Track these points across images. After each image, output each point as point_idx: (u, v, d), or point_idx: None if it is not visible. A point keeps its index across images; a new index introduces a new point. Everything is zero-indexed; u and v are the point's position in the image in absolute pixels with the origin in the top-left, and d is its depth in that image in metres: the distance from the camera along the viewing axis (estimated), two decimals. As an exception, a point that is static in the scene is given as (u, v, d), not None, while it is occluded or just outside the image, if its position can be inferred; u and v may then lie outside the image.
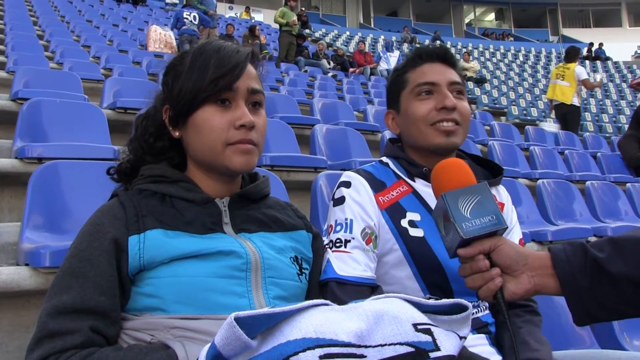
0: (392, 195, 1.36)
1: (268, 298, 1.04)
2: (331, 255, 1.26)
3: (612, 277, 0.90)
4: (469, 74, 14.60)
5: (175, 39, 10.08)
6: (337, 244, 1.27)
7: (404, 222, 1.31)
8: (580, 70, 8.06)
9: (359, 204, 1.32)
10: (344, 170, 3.51)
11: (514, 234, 1.46)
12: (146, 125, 1.18)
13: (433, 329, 0.69)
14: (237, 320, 0.62)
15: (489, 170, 1.49)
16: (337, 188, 1.38)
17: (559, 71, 8.19)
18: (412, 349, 0.65)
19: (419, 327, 0.68)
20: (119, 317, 0.99)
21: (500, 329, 1.34)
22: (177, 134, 1.13)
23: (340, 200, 1.34)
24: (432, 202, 1.34)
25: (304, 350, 0.60)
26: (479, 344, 1.26)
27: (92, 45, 8.51)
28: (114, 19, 13.51)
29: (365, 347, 0.64)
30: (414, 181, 1.39)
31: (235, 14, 22.22)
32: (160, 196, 1.09)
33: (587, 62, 21.73)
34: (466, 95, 1.43)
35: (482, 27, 31.78)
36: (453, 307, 0.74)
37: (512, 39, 28.23)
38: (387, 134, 4.38)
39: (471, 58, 17.88)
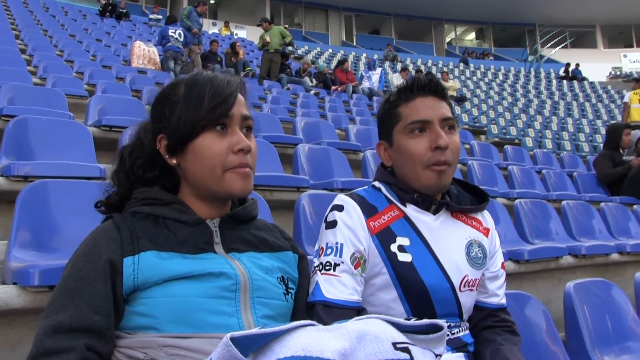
0: (384, 219, 1.40)
1: (256, 317, 1.10)
2: (320, 278, 1.31)
3: None
4: (449, 92, 14.80)
5: (159, 55, 10.10)
6: (327, 267, 1.32)
7: (394, 247, 1.36)
8: None
9: (350, 228, 1.36)
10: (326, 189, 3.60)
11: (497, 259, 1.53)
12: (134, 158, 1.23)
13: (411, 347, 0.74)
14: (233, 339, 0.67)
15: (474, 196, 1.55)
16: (330, 211, 1.42)
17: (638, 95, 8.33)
18: (391, 367, 0.71)
19: (398, 345, 0.73)
20: (113, 336, 1.03)
21: (479, 347, 1.40)
22: (174, 161, 1.18)
23: (333, 224, 1.38)
24: (423, 227, 1.40)
25: (292, 368, 0.66)
26: (457, 362, 1.32)
27: (76, 61, 8.52)
28: (97, 33, 13.51)
29: (348, 365, 0.69)
30: (405, 206, 1.44)
31: (218, 30, 22.30)
32: (153, 218, 1.14)
33: (564, 82, 22.15)
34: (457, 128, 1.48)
35: (463, 46, 32.26)
36: (429, 327, 0.79)
37: (492, 58, 28.69)
38: (369, 154, 4.45)
39: (451, 77, 18.16)
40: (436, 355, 0.78)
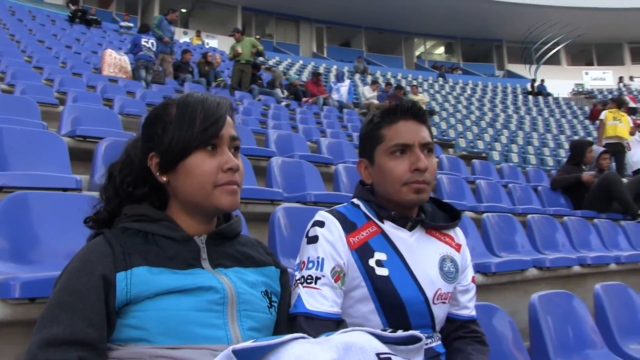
0: (362, 235, 1.47)
1: (243, 330, 1.15)
2: (302, 291, 1.37)
3: None
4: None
5: (131, 63, 10.05)
6: (308, 280, 1.38)
7: (372, 262, 1.44)
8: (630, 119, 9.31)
9: (331, 243, 1.42)
10: (299, 202, 3.64)
11: (468, 273, 1.61)
12: (124, 175, 1.28)
13: (393, 357, 0.81)
14: (234, 352, 0.72)
15: (447, 213, 1.64)
16: (312, 227, 1.48)
17: (615, 115, 9.04)
18: (375, 375, 0.77)
19: (381, 356, 0.80)
20: (105, 348, 1.07)
21: (450, 357, 1.48)
22: (164, 178, 1.23)
23: (314, 239, 1.44)
24: (399, 243, 1.48)
25: (287, 377, 0.72)
26: (429, 371, 1.39)
27: (45, 67, 8.43)
28: (67, 40, 13.36)
29: (337, 374, 0.75)
30: (382, 223, 1.51)
31: (189, 39, 22.22)
32: (143, 234, 1.19)
33: (530, 97, 22.69)
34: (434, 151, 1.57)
35: (432, 60, 32.76)
36: (408, 338, 0.86)
37: (460, 72, 29.21)
38: (341, 167, 4.52)
39: (420, 90, 18.42)
40: (415, 364, 0.85)
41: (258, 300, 1.22)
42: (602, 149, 6.87)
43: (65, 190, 2.65)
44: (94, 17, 17.45)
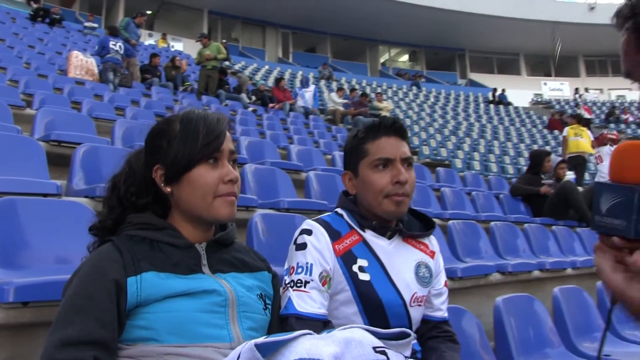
0: (346, 243, 1.60)
1: (243, 329, 1.25)
2: (292, 294, 1.48)
3: None
4: (382, 113, 15.24)
5: (98, 65, 9.96)
6: (298, 284, 1.50)
7: (355, 267, 1.57)
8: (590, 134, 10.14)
9: (319, 250, 1.55)
10: (273, 209, 3.74)
11: (441, 278, 1.76)
12: (128, 185, 1.37)
13: (387, 350, 0.92)
14: (256, 345, 0.82)
15: (423, 223, 1.77)
16: (300, 234, 1.60)
17: (575, 131, 9.87)
18: (373, 366, 0.89)
19: (377, 349, 0.91)
20: (116, 347, 1.16)
21: (425, 354, 1.61)
22: (168, 189, 1.32)
23: (303, 246, 1.56)
24: (379, 250, 1.61)
25: (300, 366, 0.83)
26: (407, 368, 1.52)
27: (9, 68, 8.29)
28: (29, 39, 13.09)
29: (341, 364, 0.86)
30: (364, 232, 1.65)
31: (154, 41, 22.02)
32: (149, 241, 1.28)
33: (491, 106, 23.25)
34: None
35: (396, 67, 33.23)
36: (399, 334, 0.98)
37: (424, 80, 29.70)
38: (312, 175, 4.63)
39: (385, 97, 18.68)
40: (405, 357, 0.96)
41: (255, 303, 1.33)
42: (560, 159, 7.17)
43: (45, 195, 2.69)
44: (57, 17, 17.04)
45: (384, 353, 0.91)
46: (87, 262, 1.22)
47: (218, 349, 1.18)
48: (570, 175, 8.90)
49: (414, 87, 24.78)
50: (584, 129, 10.00)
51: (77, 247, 2.16)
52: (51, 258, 2.07)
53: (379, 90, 20.78)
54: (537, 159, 6.92)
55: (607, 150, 9.28)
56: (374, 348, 0.91)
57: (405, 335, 0.97)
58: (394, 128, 1.66)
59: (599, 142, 10.06)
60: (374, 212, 1.64)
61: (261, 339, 0.85)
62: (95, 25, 18.57)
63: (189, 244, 1.32)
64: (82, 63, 9.68)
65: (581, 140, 9.71)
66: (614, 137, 10.63)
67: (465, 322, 2.39)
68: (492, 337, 2.61)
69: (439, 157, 12.02)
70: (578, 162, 9.50)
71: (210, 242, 1.36)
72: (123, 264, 1.20)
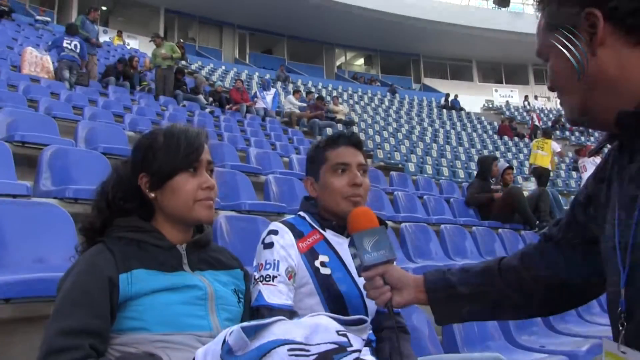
0: (309, 242, 1.79)
1: (220, 320, 1.42)
2: (262, 287, 1.66)
3: (459, 295, 1.37)
4: (338, 116, 15.48)
5: (53, 62, 9.84)
6: (267, 279, 1.67)
7: (317, 263, 1.75)
8: (555, 145, 11.16)
9: (284, 248, 1.73)
10: (234, 211, 3.88)
11: None
12: (115, 191, 1.51)
13: (348, 334, 1.10)
14: (242, 328, 0.99)
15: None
16: (267, 235, 1.77)
17: (539, 144, 10.80)
18: (337, 346, 1.06)
19: (340, 332, 1.09)
20: (109, 337, 1.30)
21: (378, 344, 1.80)
22: (152, 195, 1.48)
23: (270, 245, 1.74)
24: (339, 247, 1.80)
25: (279, 346, 0.99)
26: (363, 354, 1.70)
27: (-43, 63, 8.15)
28: (-23, 32, 12.79)
29: (310, 345, 1.03)
30: (325, 231, 1.84)
31: (109, 38, 21.69)
32: (136, 242, 1.43)
33: (444, 111, 23.83)
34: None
35: (352, 71, 33.62)
36: (357, 320, 1.16)
37: (379, 84, 30.16)
38: (271, 178, 4.79)
39: (340, 101, 18.93)
40: (363, 340, 1.15)
41: (230, 297, 1.50)
42: (507, 165, 7.52)
43: (14, 197, 2.77)
44: (5, 9, 16.50)
45: (345, 336, 1.09)
46: (82, 260, 1.36)
47: (199, 336, 1.35)
48: (531, 185, 9.99)
49: (389, 94, 25.24)
50: (548, 141, 10.84)
51: (52, 247, 2.29)
52: (29, 258, 2.17)
53: (334, 93, 21.04)
54: (485, 164, 7.25)
55: (591, 161, 10.15)
56: (337, 331, 1.08)
57: (362, 322, 1.15)
58: (352, 140, 1.88)
59: (583, 152, 11.64)
60: (334, 212, 1.83)
61: (245, 323, 1.01)
62: (48, 19, 18.20)
63: (171, 245, 1.48)
64: (37, 60, 9.57)
65: (540, 153, 10.60)
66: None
67: (416, 317, 2.61)
68: (441, 332, 2.84)
69: (392, 161, 12.30)
70: (539, 173, 10.36)
71: (189, 243, 1.52)
72: (115, 262, 1.34)
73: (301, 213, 1.91)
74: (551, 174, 11.16)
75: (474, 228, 5.64)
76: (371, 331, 1.82)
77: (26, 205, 2.39)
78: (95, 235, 1.47)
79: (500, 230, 6.03)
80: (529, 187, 9.86)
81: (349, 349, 1.07)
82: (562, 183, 13.86)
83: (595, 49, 1.04)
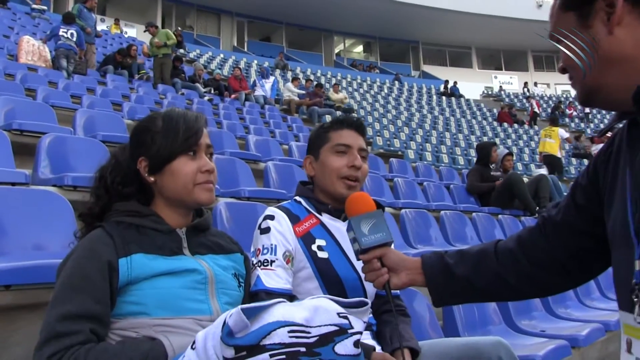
0: (305, 226, 1.79)
1: (221, 304, 1.42)
2: (260, 272, 1.66)
3: (456, 277, 1.39)
4: (337, 104, 15.42)
5: (51, 51, 9.78)
6: (265, 264, 1.67)
7: (314, 247, 1.76)
8: (562, 132, 11.73)
9: (281, 233, 1.73)
10: (234, 197, 3.87)
11: None
12: (114, 176, 1.51)
13: (349, 316, 1.10)
14: (242, 310, 0.98)
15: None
16: (263, 220, 1.78)
17: (546, 132, 11.28)
18: (338, 328, 1.06)
19: (341, 315, 1.08)
20: (109, 321, 1.30)
21: (379, 327, 1.80)
22: (152, 179, 1.47)
23: (267, 230, 1.74)
24: (335, 231, 1.80)
25: (279, 328, 0.99)
26: (364, 338, 1.70)
27: (-47, 51, 8.10)
28: (-28, 21, 12.71)
29: (311, 327, 1.03)
30: (321, 215, 1.84)
31: (106, 27, 21.57)
32: (135, 227, 1.42)
33: (443, 98, 23.77)
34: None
35: (351, 58, 33.50)
36: (358, 303, 1.15)
37: (377, 71, 30.07)
38: (270, 165, 4.78)
39: (340, 88, 18.86)
40: (364, 322, 1.14)
41: (230, 281, 1.50)
42: (507, 151, 7.50)
43: (13, 184, 2.76)
44: (1, -5, 16.38)
45: (346, 318, 1.08)
46: (81, 245, 1.35)
47: (199, 320, 1.35)
48: (542, 171, 9.94)
49: (396, 82, 25.30)
50: (555, 129, 11.25)
51: (51, 234, 2.29)
52: (29, 244, 2.17)
53: (333, 80, 20.95)
54: (485, 150, 7.22)
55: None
56: (338, 314, 1.08)
57: (363, 304, 1.15)
58: (356, 124, 1.90)
59: (597, 141, 12.03)
60: (328, 192, 1.84)
61: (246, 305, 1.01)
62: (44, 7, 18.06)
63: (171, 229, 1.47)
64: (34, 48, 9.50)
65: (548, 141, 11.03)
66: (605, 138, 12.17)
67: (417, 303, 2.61)
68: (441, 317, 2.84)
69: (392, 148, 12.30)
70: (549, 161, 10.73)
71: (189, 227, 1.52)
72: (114, 246, 1.34)
73: (297, 197, 1.92)
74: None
75: (474, 214, 5.64)
76: (371, 315, 1.82)
77: (25, 193, 2.38)
78: (94, 220, 1.47)
79: (500, 216, 6.03)
80: (541, 172, 9.96)
81: (350, 331, 1.07)
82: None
83: (613, 28, 1.04)
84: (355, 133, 1.88)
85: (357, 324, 1.11)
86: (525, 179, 7.44)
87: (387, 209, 4.97)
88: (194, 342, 1.06)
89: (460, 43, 32.93)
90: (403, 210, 4.70)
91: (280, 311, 1.03)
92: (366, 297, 1.78)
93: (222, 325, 0.99)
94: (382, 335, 1.79)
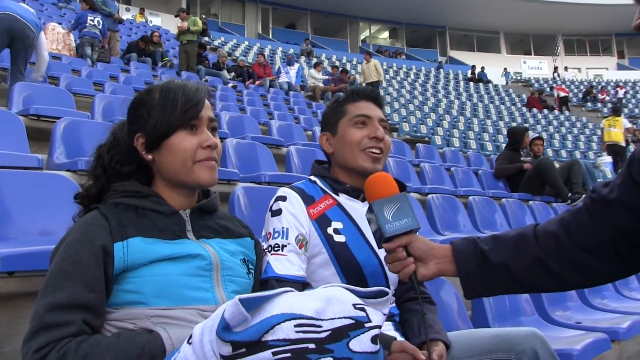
0: (320, 207, 1.65)
1: (227, 292, 1.29)
2: (270, 258, 1.52)
3: (492, 264, 1.24)
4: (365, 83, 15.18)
5: (75, 40, 9.78)
6: (275, 248, 1.54)
7: (330, 230, 1.61)
8: (625, 122, 12.13)
9: (293, 215, 1.59)
10: (254, 182, 3.76)
11: None
12: (112, 154, 1.39)
13: (366, 307, 0.96)
14: (240, 300, 0.86)
15: None
16: (275, 201, 1.64)
17: (610, 122, 11.55)
18: (353, 321, 0.92)
19: (357, 306, 0.95)
20: (104, 311, 1.18)
21: (404, 316, 1.66)
22: (149, 157, 1.34)
23: (278, 212, 1.60)
24: (354, 213, 1.65)
25: (284, 321, 0.86)
26: (386, 329, 1.57)
27: (-18, 41, 8.10)
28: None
29: (322, 320, 0.90)
30: (338, 195, 1.69)
31: (132, 16, 21.64)
32: (134, 208, 1.30)
33: (471, 83, 23.34)
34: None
35: (377, 44, 33.13)
36: (377, 293, 1.02)
37: (404, 57, 29.68)
38: (292, 149, 4.66)
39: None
40: (383, 314, 1.01)
41: (238, 267, 1.36)
42: (536, 135, 7.27)
43: (26, 169, 2.68)
44: (30, -11, 16.57)
45: (363, 310, 0.95)
46: (74, 229, 1.24)
47: (202, 311, 1.21)
48: (607, 160, 10.52)
49: (441, 70, 25.16)
50: (619, 119, 11.49)
51: (61, 219, 2.18)
52: (35, 230, 2.08)
53: (359, 67, 20.69)
54: (517, 135, 7.00)
55: None
56: (354, 305, 0.94)
57: (383, 294, 1.01)
58: (372, 95, 1.76)
59: None
60: (351, 167, 1.69)
61: (245, 295, 0.87)
62: (71, -3, 18.14)
63: (173, 210, 1.34)
64: (59, 37, 9.49)
65: (613, 130, 11.30)
66: None
67: (444, 292, 2.46)
68: (470, 307, 2.69)
69: (418, 134, 12.08)
70: (615, 150, 10.99)
71: (193, 209, 1.38)
72: (110, 229, 1.22)
73: (312, 177, 1.77)
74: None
75: (503, 200, 5.44)
76: (394, 304, 1.68)
77: (34, 177, 2.29)
78: (91, 202, 1.36)
79: (530, 202, 5.82)
80: (605, 160, 10.46)
81: (367, 324, 0.94)
82: (594, 155, 13.47)
83: None
84: (373, 104, 1.75)
85: (376, 316, 0.97)
86: (557, 165, 7.20)
87: (413, 194, 4.82)
88: (191, 336, 0.94)
89: (488, 27, 32.29)
90: (430, 196, 4.54)
91: (286, 302, 0.90)
92: (388, 285, 1.64)
93: (220, 318, 0.87)
94: (409, 325, 1.64)
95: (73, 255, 1.17)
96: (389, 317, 1.63)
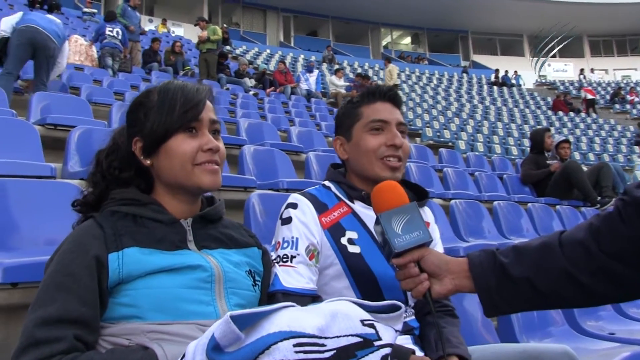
0: (334, 215, 1.54)
1: (230, 306, 1.20)
2: (278, 269, 1.42)
3: (513, 278, 1.13)
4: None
5: (97, 51, 9.86)
6: (284, 259, 1.43)
7: (344, 240, 1.50)
8: None
9: (304, 223, 1.48)
10: (272, 189, 3.69)
11: (437, 249, 1.68)
12: (110, 160, 1.32)
13: (376, 324, 0.87)
14: (232, 317, 0.77)
15: (415, 193, 1.70)
16: (285, 209, 1.54)
17: None
18: (361, 339, 0.83)
19: (365, 322, 0.86)
20: (98, 326, 1.10)
21: (424, 330, 1.55)
22: (148, 162, 1.27)
23: (288, 220, 1.50)
24: (369, 222, 1.53)
25: (281, 340, 0.77)
26: (404, 343, 1.46)
27: (7, 54, 8.21)
28: (28, 26, 12.98)
29: (325, 338, 0.81)
30: (353, 203, 1.58)
31: (154, 27, 21.87)
32: (132, 217, 1.22)
33: (495, 87, 23.05)
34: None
35: (399, 50, 32.98)
36: (389, 307, 0.93)
37: (426, 62, 29.49)
38: (312, 155, 4.58)
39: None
40: (395, 331, 0.91)
41: (242, 279, 1.28)
42: (563, 138, 7.07)
43: (39, 178, 2.65)
44: (55, 2, 16.80)
45: (372, 326, 0.86)
46: (68, 238, 1.17)
47: (202, 326, 1.13)
48: None
49: (464, 74, 25.10)
50: None
51: (68, 228, 2.13)
52: (42, 240, 2.03)
53: (381, 73, 20.61)
54: (538, 137, 6.82)
55: None
56: (362, 321, 0.86)
57: (395, 309, 0.92)
58: (389, 95, 1.62)
59: None
60: (367, 176, 1.58)
61: (237, 312, 0.79)
62: (95, 10, 18.45)
63: (174, 219, 1.27)
64: (81, 48, 9.57)
65: None
66: None
67: (467, 302, 2.34)
68: (496, 318, 2.56)
69: (442, 139, 11.94)
70: None
71: (196, 217, 1.31)
72: (104, 239, 1.15)
73: (326, 183, 1.66)
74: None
75: (529, 205, 5.27)
76: (413, 317, 1.57)
77: (41, 186, 2.24)
78: (89, 210, 1.29)
79: (558, 207, 5.64)
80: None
81: (377, 343, 0.84)
82: (623, 158, 13.17)
83: None
84: (391, 105, 1.60)
85: (387, 334, 0.88)
86: (585, 168, 6.99)
87: (436, 199, 4.70)
88: (184, 355, 0.86)
89: (511, 31, 31.94)
90: (453, 201, 4.41)
91: (285, 318, 0.81)
92: (406, 297, 1.53)
93: (207, 340, 0.78)
94: (427, 339, 1.52)
95: (66, 266, 1.10)
96: (408, 330, 1.52)
